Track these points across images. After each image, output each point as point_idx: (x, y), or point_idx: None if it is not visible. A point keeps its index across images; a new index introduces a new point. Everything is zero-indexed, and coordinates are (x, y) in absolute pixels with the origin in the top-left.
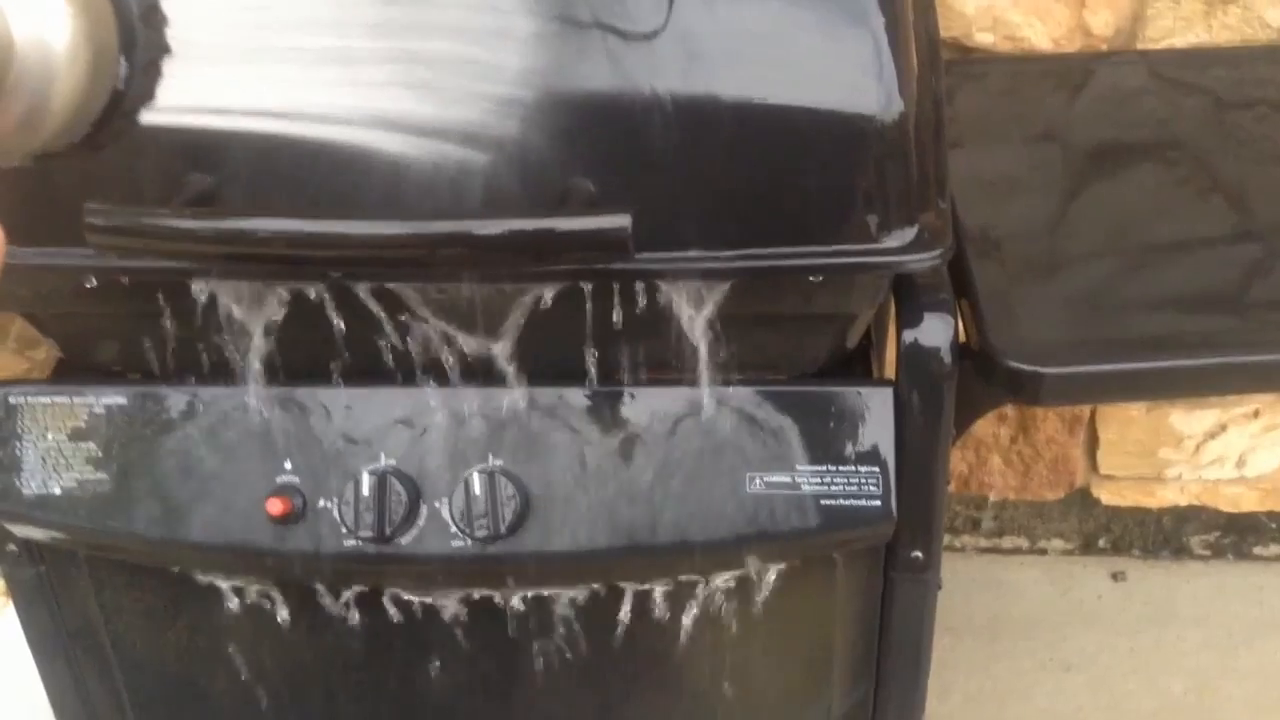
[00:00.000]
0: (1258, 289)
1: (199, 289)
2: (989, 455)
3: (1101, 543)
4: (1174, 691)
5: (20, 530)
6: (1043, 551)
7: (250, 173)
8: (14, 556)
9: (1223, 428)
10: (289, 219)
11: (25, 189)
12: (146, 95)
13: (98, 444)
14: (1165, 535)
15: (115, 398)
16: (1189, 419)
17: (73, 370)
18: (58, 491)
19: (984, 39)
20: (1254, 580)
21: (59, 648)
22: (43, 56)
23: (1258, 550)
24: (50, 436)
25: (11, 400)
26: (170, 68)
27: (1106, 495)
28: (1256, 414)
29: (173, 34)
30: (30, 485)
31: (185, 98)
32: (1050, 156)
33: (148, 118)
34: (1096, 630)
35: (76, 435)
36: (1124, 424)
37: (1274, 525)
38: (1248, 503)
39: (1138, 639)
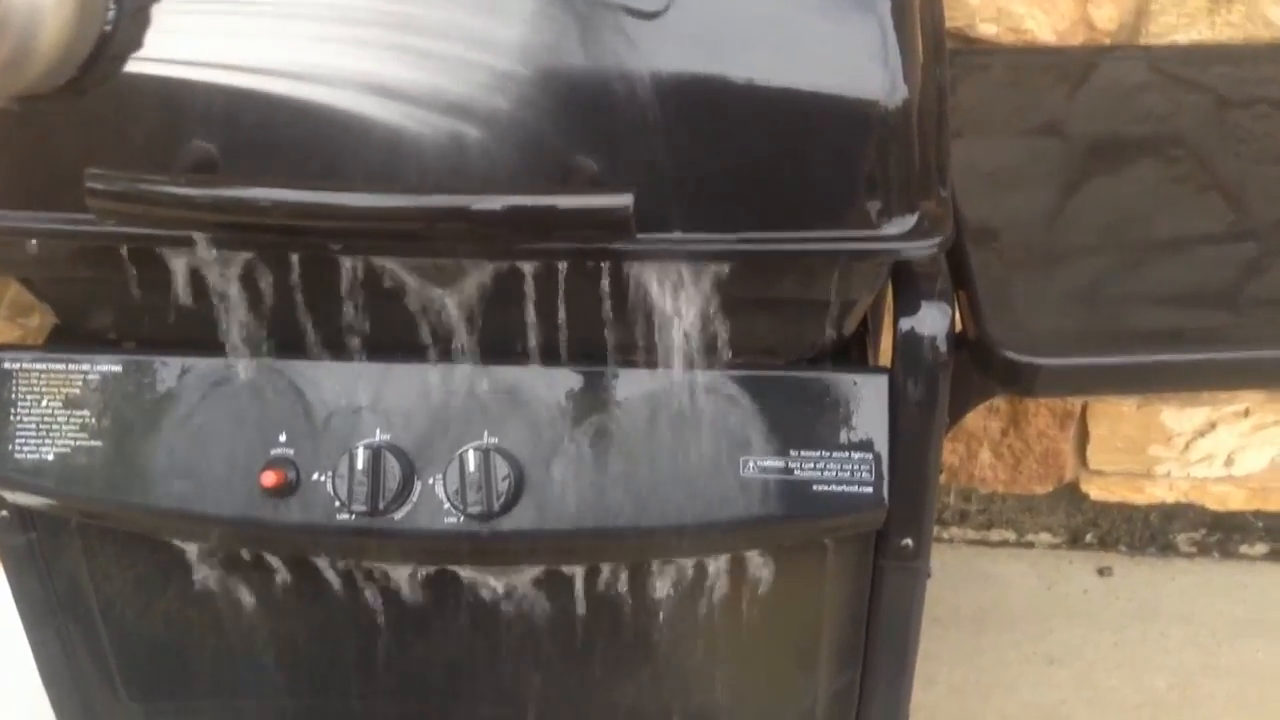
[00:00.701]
0: (1253, 287)
1: (196, 256)
2: (979, 448)
3: (1089, 538)
4: (1157, 687)
5: (12, 496)
6: (1030, 545)
7: (250, 137)
8: (5, 522)
9: (1212, 426)
10: (289, 189)
11: (24, 152)
12: (135, 40)
13: (92, 411)
14: (1152, 532)
15: (111, 365)
16: (1179, 416)
17: (68, 337)
18: (51, 458)
19: (987, 30)
20: (1239, 579)
21: (48, 615)
22: None
23: (1243, 549)
24: (45, 403)
25: (6, 365)
26: (160, 14)
27: (1095, 490)
28: (1247, 413)
29: None
30: (23, 451)
31: (175, 46)
32: (1051, 149)
33: (135, 66)
34: (1081, 625)
35: (71, 402)
36: (1114, 420)
37: (1260, 525)
38: (1235, 501)
39: (1122, 634)
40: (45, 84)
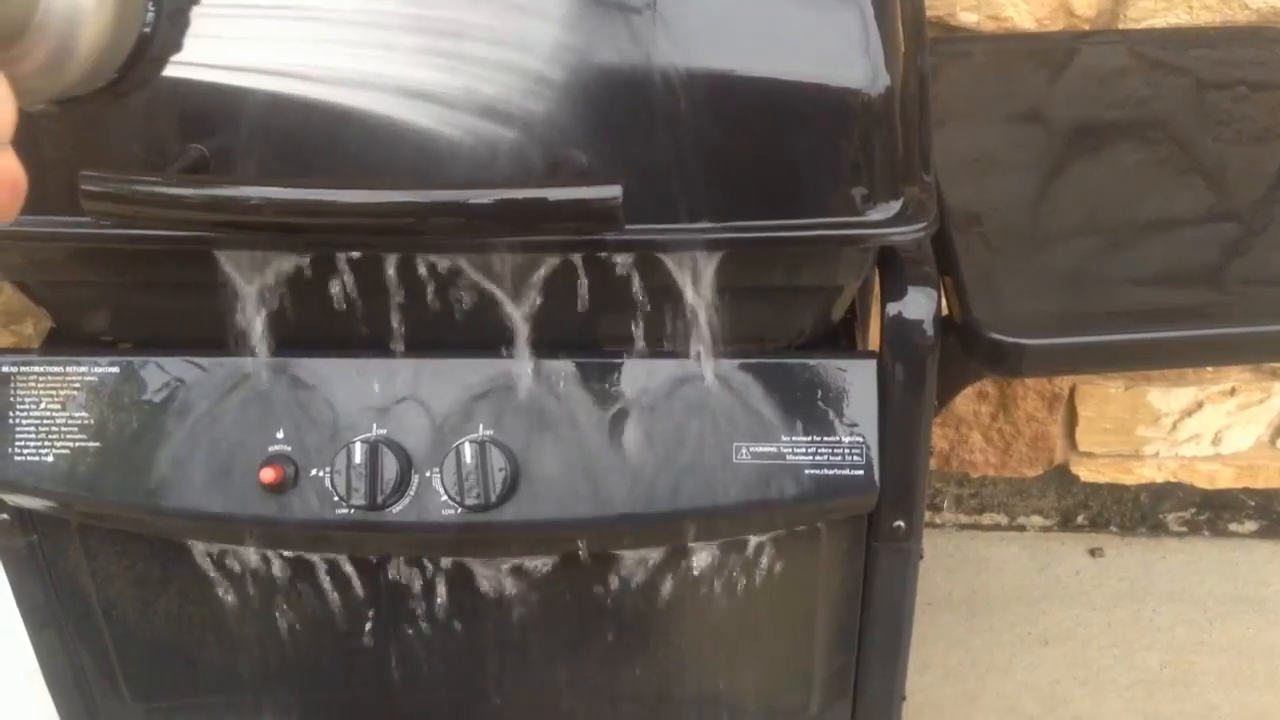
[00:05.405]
0: (1235, 266)
1: (192, 257)
2: (969, 433)
3: (1080, 519)
4: (1150, 665)
5: (12, 499)
6: (1022, 528)
7: (252, 136)
8: (6, 525)
9: (1199, 405)
10: (281, 187)
11: (23, 154)
12: (173, 42)
13: (90, 413)
14: (1142, 512)
15: (107, 367)
16: (1166, 397)
17: (65, 339)
18: (50, 459)
19: (968, 18)
20: (1228, 556)
21: (51, 616)
22: None
23: (1233, 527)
24: (43, 405)
25: (4, 369)
26: (199, 16)
27: (1085, 472)
28: (1233, 392)
29: None
30: (23, 453)
31: (216, 49)
32: (1033, 135)
33: (174, 69)
34: (1074, 605)
35: (69, 404)
36: (1102, 401)
37: (1249, 502)
38: (1223, 479)
39: (1114, 614)
40: (85, 86)
